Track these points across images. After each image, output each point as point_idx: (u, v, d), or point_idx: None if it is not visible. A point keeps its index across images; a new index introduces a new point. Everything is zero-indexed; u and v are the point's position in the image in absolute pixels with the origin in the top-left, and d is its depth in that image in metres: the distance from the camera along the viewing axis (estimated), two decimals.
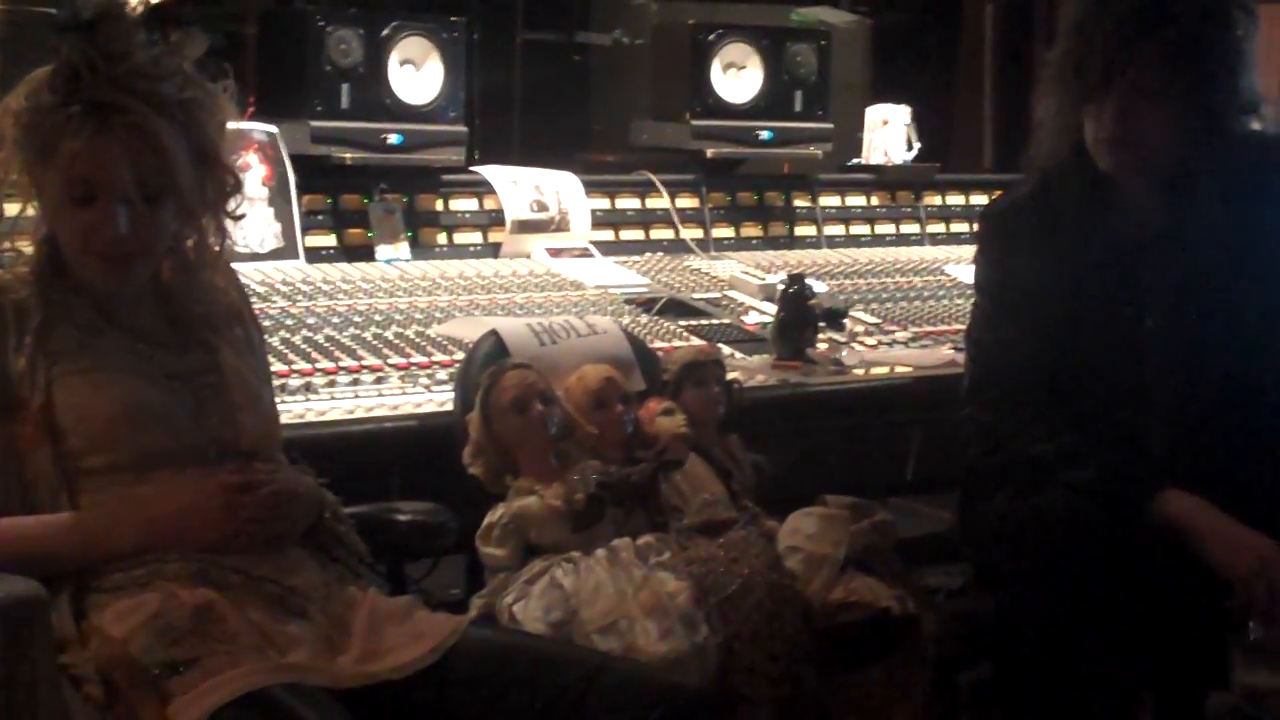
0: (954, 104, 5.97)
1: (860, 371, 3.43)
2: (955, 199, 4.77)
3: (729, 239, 4.35)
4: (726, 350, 3.39)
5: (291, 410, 2.79)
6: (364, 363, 3.12)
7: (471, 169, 4.04)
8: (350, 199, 3.81)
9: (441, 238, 3.91)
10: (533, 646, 2.28)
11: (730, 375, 2.96)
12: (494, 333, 2.86)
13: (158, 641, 2.00)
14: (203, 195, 2.23)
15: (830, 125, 4.52)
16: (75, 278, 2.20)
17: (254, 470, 2.20)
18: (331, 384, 3.00)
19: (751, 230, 4.40)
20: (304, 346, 3.15)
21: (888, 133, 4.73)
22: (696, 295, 3.84)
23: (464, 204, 3.97)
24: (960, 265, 4.28)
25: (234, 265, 2.37)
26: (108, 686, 1.99)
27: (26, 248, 2.25)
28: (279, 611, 2.11)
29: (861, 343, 3.63)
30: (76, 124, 2.11)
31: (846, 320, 3.67)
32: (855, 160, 4.77)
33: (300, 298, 3.43)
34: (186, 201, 2.20)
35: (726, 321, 3.68)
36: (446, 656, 2.13)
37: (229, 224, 2.28)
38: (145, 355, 2.21)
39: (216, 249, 2.28)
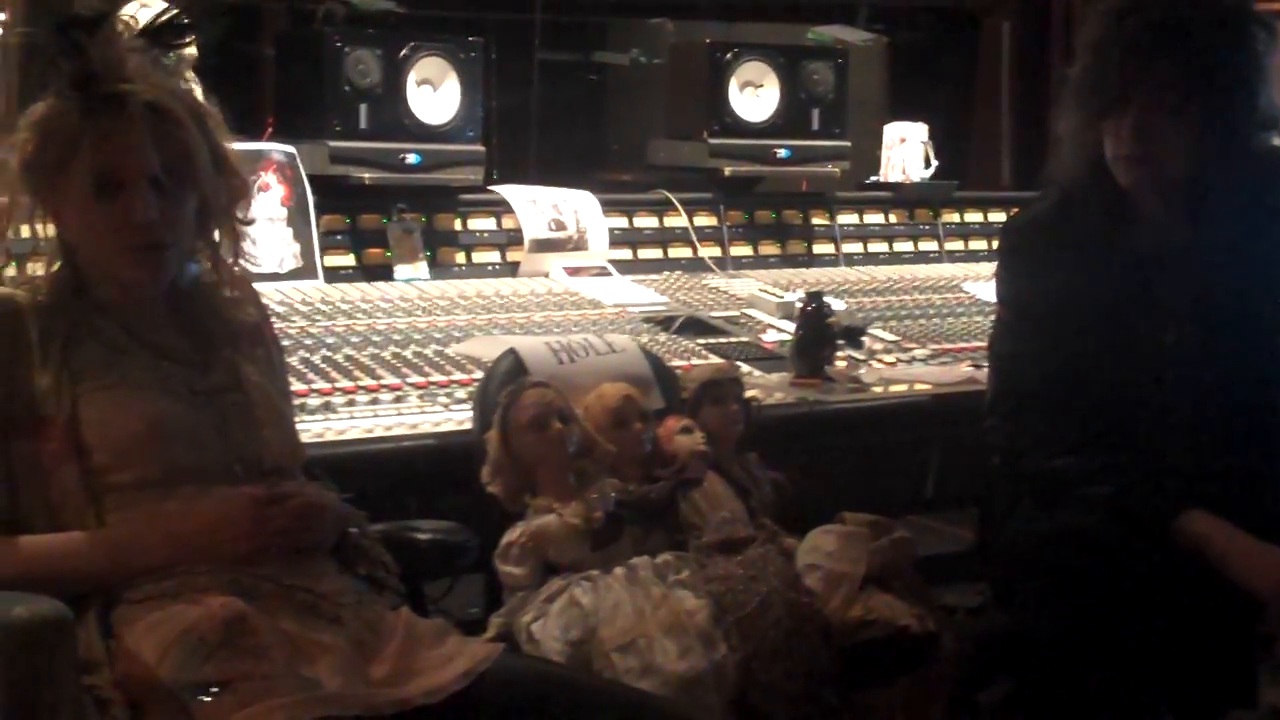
0: (971, 121, 5.95)
1: (879, 389, 3.42)
2: (973, 216, 4.76)
3: (747, 257, 4.35)
4: (745, 368, 3.39)
5: (311, 430, 2.79)
6: (383, 382, 3.12)
7: (489, 188, 4.05)
8: (369, 219, 3.82)
9: (460, 257, 3.92)
10: (570, 680, 2.23)
11: (749, 393, 2.96)
12: (512, 351, 2.87)
13: (189, 659, 1.96)
14: (220, 199, 2.23)
15: (848, 143, 4.52)
16: (97, 296, 2.19)
17: (281, 484, 2.19)
18: (350, 403, 3.01)
19: (769, 248, 4.40)
20: (323, 366, 3.16)
21: (905, 150, 4.73)
22: (715, 313, 3.84)
23: (482, 223, 3.98)
24: (979, 282, 4.28)
25: (254, 285, 2.38)
26: (133, 709, 1.97)
27: (37, 269, 2.25)
28: (311, 618, 2.08)
29: (880, 360, 3.63)
30: (94, 118, 2.11)
31: (865, 338, 3.66)
32: (873, 178, 4.77)
33: (319, 317, 3.44)
34: (207, 196, 2.21)
35: (745, 339, 3.68)
36: (479, 684, 2.08)
37: (243, 232, 2.29)
38: (169, 372, 2.20)
39: (232, 260, 2.28)
